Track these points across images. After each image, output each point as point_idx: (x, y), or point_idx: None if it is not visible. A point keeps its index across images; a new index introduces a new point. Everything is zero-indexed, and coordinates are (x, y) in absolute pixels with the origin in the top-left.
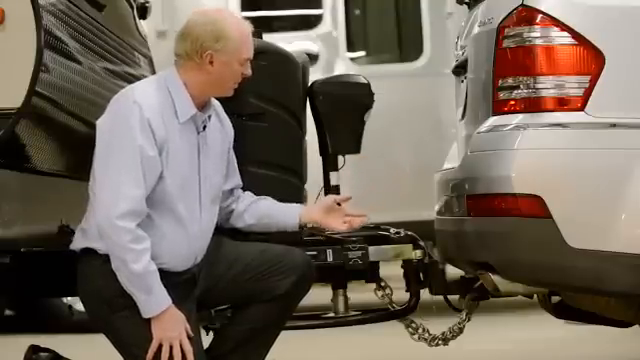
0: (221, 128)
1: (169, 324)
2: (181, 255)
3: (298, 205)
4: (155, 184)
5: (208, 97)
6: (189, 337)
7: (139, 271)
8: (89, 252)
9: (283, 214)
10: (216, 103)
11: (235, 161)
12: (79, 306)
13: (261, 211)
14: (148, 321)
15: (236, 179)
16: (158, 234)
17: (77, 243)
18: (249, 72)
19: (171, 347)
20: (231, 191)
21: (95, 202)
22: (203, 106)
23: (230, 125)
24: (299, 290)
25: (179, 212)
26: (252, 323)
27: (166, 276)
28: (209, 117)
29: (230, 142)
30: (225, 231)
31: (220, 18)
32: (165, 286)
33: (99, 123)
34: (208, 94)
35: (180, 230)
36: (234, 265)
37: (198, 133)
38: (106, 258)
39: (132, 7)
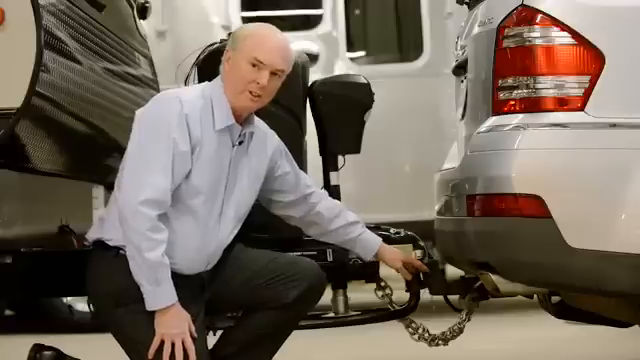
0: (263, 154)
1: (172, 321)
2: (193, 259)
3: (379, 242)
4: (181, 181)
5: (245, 111)
6: (192, 337)
7: (152, 260)
8: (101, 246)
9: (364, 248)
10: (263, 124)
11: (296, 170)
12: (79, 306)
13: (349, 237)
14: (153, 316)
15: (300, 189)
16: (173, 233)
17: (92, 233)
18: (262, 80)
19: (174, 345)
20: (304, 199)
21: (122, 186)
22: (243, 121)
23: (275, 146)
24: (308, 300)
25: (198, 215)
26: (259, 329)
27: (175, 277)
28: (251, 135)
29: (274, 163)
30: (237, 237)
31: (246, 25)
32: (174, 285)
33: (138, 112)
34: (232, 102)
35: (196, 234)
36: (245, 270)
37: (233, 146)
38: (117, 252)
39: (132, 7)
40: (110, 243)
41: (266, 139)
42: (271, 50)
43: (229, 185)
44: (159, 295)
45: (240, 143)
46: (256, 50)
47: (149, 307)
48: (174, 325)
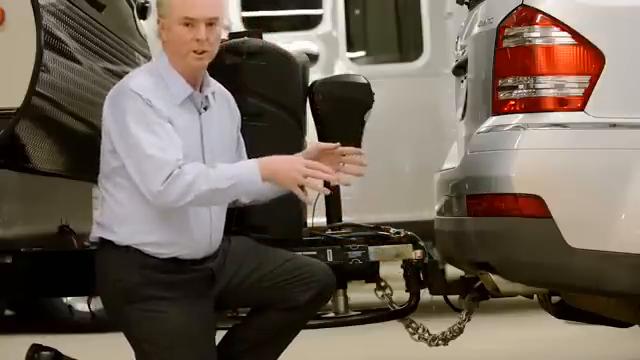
0: (229, 111)
1: (280, 167)
2: (197, 240)
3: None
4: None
5: (197, 72)
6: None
7: (209, 187)
8: (108, 242)
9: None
10: (219, 85)
11: (244, 148)
12: (79, 306)
13: None
14: (161, 316)
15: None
16: (170, 219)
17: (95, 233)
18: (200, 35)
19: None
20: None
21: (139, 185)
22: (201, 86)
23: (237, 107)
24: (318, 303)
25: None
26: (268, 328)
27: (184, 268)
28: (213, 96)
29: (239, 124)
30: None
31: None
32: (182, 281)
33: (105, 121)
34: (181, 69)
35: (189, 212)
36: (258, 269)
37: (200, 114)
38: (124, 249)
39: (132, 7)
40: (117, 243)
41: (229, 98)
42: (196, 3)
43: (206, 154)
44: (249, 176)
45: (205, 108)
46: (183, 9)
47: (264, 178)
48: (287, 164)
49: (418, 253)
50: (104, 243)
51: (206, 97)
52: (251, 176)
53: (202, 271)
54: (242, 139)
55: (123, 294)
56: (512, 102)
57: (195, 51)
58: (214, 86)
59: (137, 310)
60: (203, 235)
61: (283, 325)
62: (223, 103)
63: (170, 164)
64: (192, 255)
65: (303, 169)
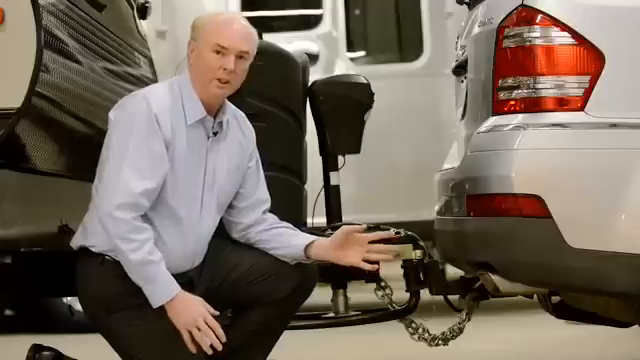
0: (242, 140)
1: (182, 310)
2: (178, 259)
3: (307, 238)
4: (162, 181)
5: (216, 100)
6: (212, 315)
7: (138, 261)
8: (87, 252)
9: (288, 250)
10: (240, 114)
11: (262, 179)
12: (79, 306)
13: (267, 244)
14: (145, 322)
15: (258, 200)
16: (157, 236)
17: (76, 240)
18: (229, 65)
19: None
20: (251, 209)
21: (98, 192)
22: (216, 112)
23: (253, 139)
24: (300, 293)
25: (177, 213)
26: (253, 326)
27: None
28: (227, 122)
29: (250, 157)
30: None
31: (204, 15)
32: None
33: (110, 115)
34: (201, 93)
35: (176, 232)
36: (236, 268)
37: (208, 138)
38: (102, 259)
39: (132, 7)
40: (94, 249)
41: (244, 127)
42: (232, 33)
43: (207, 179)
44: (159, 291)
45: (215, 134)
46: (217, 36)
47: (154, 305)
48: (185, 313)
49: (418, 253)
50: (83, 250)
51: (220, 123)
52: (159, 295)
53: (181, 277)
54: (261, 174)
55: (104, 303)
56: (512, 102)
57: (219, 79)
58: (232, 114)
59: (119, 319)
60: (185, 259)
61: (267, 322)
62: (236, 133)
63: (130, 195)
64: (172, 272)
65: (199, 320)
